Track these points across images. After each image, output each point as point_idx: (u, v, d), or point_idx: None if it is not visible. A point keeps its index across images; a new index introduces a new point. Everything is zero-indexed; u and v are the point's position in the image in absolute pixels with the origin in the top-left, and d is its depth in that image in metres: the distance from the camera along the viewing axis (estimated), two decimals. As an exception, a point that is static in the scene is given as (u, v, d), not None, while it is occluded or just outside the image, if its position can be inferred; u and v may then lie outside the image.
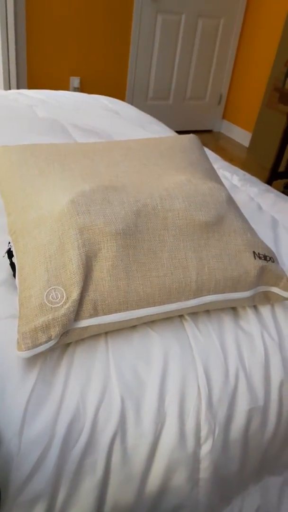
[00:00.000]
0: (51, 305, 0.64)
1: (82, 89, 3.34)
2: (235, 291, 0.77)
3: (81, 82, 3.30)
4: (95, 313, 0.67)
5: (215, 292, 0.75)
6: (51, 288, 0.66)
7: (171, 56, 3.49)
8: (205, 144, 3.69)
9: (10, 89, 3.14)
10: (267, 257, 0.80)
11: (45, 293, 0.65)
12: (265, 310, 0.84)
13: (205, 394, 0.69)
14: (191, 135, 1.10)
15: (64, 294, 0.65)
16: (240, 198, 1.26)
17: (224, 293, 0.76)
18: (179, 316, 0.80)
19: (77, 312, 0.66)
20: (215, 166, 1.48)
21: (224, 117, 4.02)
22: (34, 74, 3.15)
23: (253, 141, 3.49)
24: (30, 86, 3.18)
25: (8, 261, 0.83)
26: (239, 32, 3.61)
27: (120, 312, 0.69)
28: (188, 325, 0.78)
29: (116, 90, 3.45)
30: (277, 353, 0.77)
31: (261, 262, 0.78)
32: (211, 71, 3.72)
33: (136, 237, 0.72)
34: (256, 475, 0.80)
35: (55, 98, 1.90)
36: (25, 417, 0.61)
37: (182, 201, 0.78)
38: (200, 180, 0.84)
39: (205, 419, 0.69)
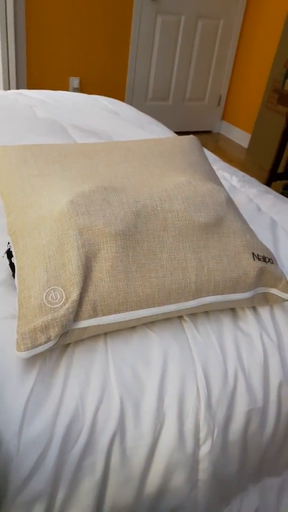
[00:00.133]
0: (51, 306, 0.64)
1: (81, 89, 3.34)
2: (234, 292, 0.77)
3: (80, 83, 3.31)
4: (94, 314, 0.67)
5: (214, 293, 0.75)
6: (50, 288, 0.66)
7: (170, 57, 3.50)
8: (204, 145, 3.69)
9: (9, 89, 3.14)
10: (266, 259, 0.80)
11: (45, 294, 0.65)
12: (264, 312, 0.84)
13: (204, 395, 0.69)
14: (191, 136, 1.10)
15: (64, 295, 0.65)
16: (239, 199, 1.26)
17: (223, 294, 0.76)
18: (179, 317, 0.80)
19: (77, 312, 0.66)
20: (215, 167, 1.48)
21: (223, 118, 4.02)
22: (33, 74, 3.15)
23: (252, 142, 3.49)
24: (30, 86, 3.18)
25: (7, 261, 0.83)
26: (238, 33, 3.61)
27: (119, 312, 0.69)
28: (187, 326, 0.78)
29: (115, 90, 3.45)
30: (276, 354, 0.77)
31: (260, 264, 0.78)
32: (211, 72, 3.73)
33: (135, 238, 0.72)
34: (255, 476, 0.80)
35: (54, 99, 1.90)
36: (24, 417, 0.61)
37: (181, 202, 0.78)
38: (200, 181, 0.84)
39: (204, 420, 0.69)
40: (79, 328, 0.67)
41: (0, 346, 0.68)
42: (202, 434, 0.69)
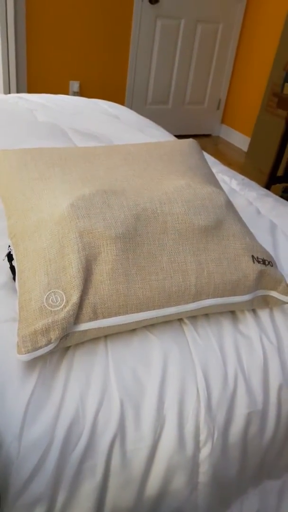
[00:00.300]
0: (51, 309, 0.65)
1: (81, 93, 3.35)
2: (234, 295, 0.77)
3: (80, 86, 3.32)
4: (94, 317, 0.67)
5: (214, 296, 0.75)
6: (51, 291, 0.66)
7: (170, 61, 3.51)
8: (204, 148, 3.70)
9: (10, 93, 3.15)
10: (266, 261, 0.81)
11: (45, 297, 0.65)
12: (263, 314, 0.85)
13: (204, 398, 0.70)
14: (190, 140, 1.11)
15: (64, 298, 0.66)
16: (238, 202, 1.27)
17: (223, 297, 0.76)
18: (179, 319, 0.80)
19: (77, 315, 0.66)
20: (214, 170, 1.49)
21: (223, 121, 4.04)
22: (34, 78, 3.16)
23: (251, 145, 3.50)
24: (30, 90, 3.19)
25: (8, 265, 0.83)
26: (237, 37, 3.63)
27: (119, 315, 0.69)
28: (188, 328, 0.78)
29: (115, 94, 3.47)
30: (275, 357, 0.77)
31: (259, 266, 0.79)
32: (210, 75, 3.74)
33: (135, 240, 0.72)
34: (255, 479, 0.80)
35: (54, 102, 1.91)
36: (25, 420, 0.61)
37: (181, 205, 0.78)
38: (199, 185, 0.85)
39: (204, 422, 0.69)
40: (80, 331, 0.67)
41: (1, 349, 0.68)
42: (202, 437, 0.69)
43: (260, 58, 3.48)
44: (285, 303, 0.82)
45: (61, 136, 1.47)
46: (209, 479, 0.71)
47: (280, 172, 2.97)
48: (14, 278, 0.79)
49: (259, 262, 0.79)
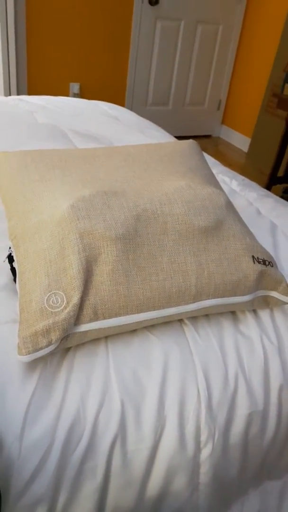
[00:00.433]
0: (52, 310, 0.65)
1: (81, 95, 3.35)
2: (235, 295, 0.77)
3: (80, 88, 3.32)
4: (95, 317, 0.68)
5: (215, 296, 0.76)
6: (51, 292, 0.66)
7: (170, 62, 3.52)
8: (204, 149, 3.71)
9: (10, 95, 3.15)
10: (266, 262, 0.81)
11: (46, 298, 0.66)
12: (264, 315, 0.85)
13: (205, 398, 0.70)
14: (190, 141, 1.11)
15: (65, 299, 0.66)
16: (239, 203, 1.27)
17: (223, 297, 0.76)
18: (179, 320, 0.80)
19: (77, 316, 0.66)
20: (214, 171, 1.49)
21: (223, 122, 4.04)
22: (34, 80, 3.17)
23: (252, 146, 3.50)
24: (30, 92, 3.20)
25: (9, 266, 0.83)
26: (237, 38, 3.64)
27: (120, 316, 0.69)
28: (188, 329, 0.78)
29: (115, 95, 3.47)
30: (276, 357, 0.78)
31: (260, 267, 0.79)
32: (210, 76, 3.75)
33: (136, 241, 0.72)
34: (256, 479, 0.80)
35: (55, 104, 1.91)
36: (26, 421, 0.61)
37: (181, 206, 0.78)
38: (199, 185, 0.85)
39: (205, 423, 0.69)
40: (80, 332, 0.67)
41: (2, 350, 0.68)
42: (203, 437, 0.69)
43: (260, 59, 3.49)
44: (285, 303, 0.82)
45: (61, 137, 1.48)
46: (210, 480, 0.71)
47: (280, 173, 2.97)
48: (14, 280, 0.79)
49: (259, 262, 0.79)
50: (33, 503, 0.60)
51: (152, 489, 0.67)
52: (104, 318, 0.68)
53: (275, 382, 0.75)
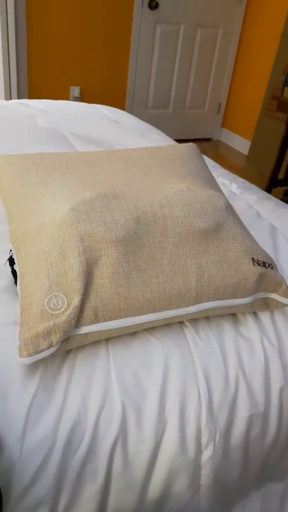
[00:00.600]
0: (52, 312, 0.65)
1: (82, 98, 3.37)
2: (235, 297, 0.77)
3: (81, 92, 3.34)
4: (96, 320, 0.68)
5: (215, 299, 0.76)
6: (52, 295, 0.66)
7: (170, 66, 3.53)
8: (204, 152, 3.72)
9: (11, 99, 3.17)
10: (266, 264, 0.81)
11: (46, 300, 0.66)
12: (264, 317, 0.85)
13: (206, 400, 0.70)
14: (190, 144, 1.12)
15: (65, 301, 0.66)
16: (239, 206, 1.27)
17: (223, 299, 0.77)
18: (179, 322, 0.80)
19: (78, 318, 0.67)
20: (214, 174, 1.49)
21: (223, 125, 4.05)
22: (34, 84, 3.18)
23: (252, 149, 3.51)
24: (31, 96, 3.22)
25: (9, 269, 0.84)
26: (237, 41, 3.65)
27: (120, 318, 0.69)
28: (188, 331, 0.79)
29: (116, 99, 3.48)
30: (277, 359, 0.78)
31: (260, 269, 0.79)
32: (210, 80, 3.76)
33: (136, 244, 0.73)
34: (258, 481, 0.80)
35: (55, 108, 1.92)
36: (27, 423, 0.61)
37: (181, 208, 0.79)
38: (199, 188, 0.85)
39: (206, 425, 0.69)
40: (81, 334, 0.68)
41: (3, 352, 0.69)
42: (203, 439, 0.69)
43: (260, 62, 3.50)
44: (285, 305, 0.83)
45: (62, 141, 1.48)
46: (211, 482, 0.71)
47: (281, 175, 2.98)
48: (15, 282, 0.80)
49: (259, 264, 0.80)
50: (34, 505, 0.60)
51: (153, 491, 0.67)
52: (105, 320, 0.69)
53: (275, 384, 0.76)
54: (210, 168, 1.54)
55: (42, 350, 0.63)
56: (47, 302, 0.66)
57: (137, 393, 0.68)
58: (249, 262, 0.79)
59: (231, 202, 1.27)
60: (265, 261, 0.82)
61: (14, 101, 1.95)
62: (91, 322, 0.68)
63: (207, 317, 0.82)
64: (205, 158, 1.64)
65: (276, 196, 2.92)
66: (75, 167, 0.92)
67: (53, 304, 0.66)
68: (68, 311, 0.65)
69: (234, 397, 0.72)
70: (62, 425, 0.62)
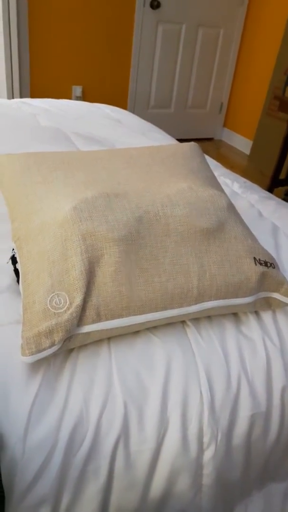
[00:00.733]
0: (55, 311, 0.65)
1: (84, 98, 3.37)
2: (236, 297, 0.77)
3: (83, 91, 3.34)
4: (98, 319, 0.68)
5: (217, 298, 0.76)
6: (54, 293, 0.66)
7: (172, 65, 3.53)
8: (206, 152, 3.71)
9: (13, 98, 3.17)
10: (268, 263, 0.81)
11: (49, 299, 0.66)
12: (266, 316, 0.85)
13: (208, 400, 0.70)
14: (192, 143, 1.12)
15: (67, 300, 0.66)
16: (240, 205, 1.27)
17: (225, 299, 0.77)
18: (181, 321, 0.80)
19: (80, 317, 0.67)
20: (216, 174, 1.49)
21: (225, 125, 4.05)
22: (36, 83, 3.18)
23: (253, 148, 3.51)
24: (33, 95, 3.22)
25: (12, 267, 0.84)
26: (239, 41, 3.65)
27: (122, 317, 0.69)
28: (190, 330, 0.79)
29: (117, 98, 3.48)
30: (279, 359, 0.78)
31: (262, 268, 0.79)
32: (212, 79, 3.76)
33: (138, 243, 0.73)
34: (260, 481, 0.80)
35: (57, 107, 1.92)
36: (29, 422, 0.61)
37: (183, 207, 0.78)
38: (201, 187, 0.85)
39: (208, 424, 0.69)
40: (83, 333, 0.68)
41: (5, 351, 0.69)
42: (205, 439, 0.69)
43: (262, 62, 3.50)
44: (287, 305, 0.83)
45: (64, 140, 1.48)
46: (213, 481, 0.71)
47: (282, 175, 2.97)
48: (18, 281, 0.80)
49: (261, 264, 0.80)
50: (37, 503, 0.60)
51: (155, 491, 0.67)
52: (107, 319, 0.69)
53: (277, 383, 0.75)
54: (212, 167, 1.54)
55: (44, 349, 0.63)
56: (50, 301, 0.66)
57: (139, 392, 0.68)
58: (251, 262, 0.79)
59: (233, 202, 1.27)
60: (267, 260, 0.82)
61: (16, 100, 1.95)
62: (93, 321, 0.68)
63: (209, 317, 0.82)
64: (207, 157, 1.64)
65: (277, 195, 2.92)
66: (77, 166, 0.92)
67: (55, 302, 0.66)
68: (70, 310, 0.65)
69: (236, 396, 0.72)
70: (64, 424, 0.62)
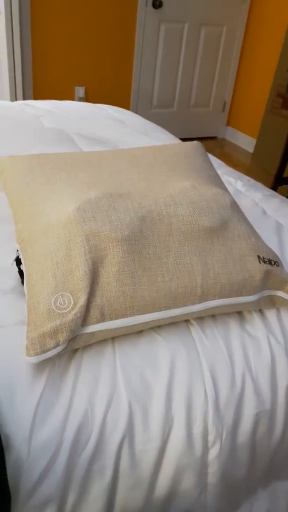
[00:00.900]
0: (59, 311, 0.65)
1: (87, 98, 3.37)
2: (241, 295, 0.77)
3: (86, 92, 3.34)
4: (102, 319, 0.68)
5: (221, 297, 0.76)
6: (58, 294, 0.67)
7: (174, 64, 3.53)
8: (209, 150, 3.71)
9: (16, 100, 3.18)
10: (272, 261, 0.81)
11: (53, 299, 0.66)
12: (270, 314, 0.85)
13: (212, 398, 0.70)
14: (195, 142, 1.11)
15: (72, 300, 0.66)
16: (244, 203, 1.27)
17: (229, 297, 0.77)
18: (185, 321, 0.80)
19: (84, 317, 0.67)
20: (219, 172, 1.49)
21: (228, 123, 4.04)
22: (39, 85, 3.19)
23: (257, 147, 3.50)
24: (36, 97, 3.23)
25: (16, 269, 0.84)
26: (241, 39, 3.64)
27: (126, 317, 0.69)
28: (194, 329, 0.79)
29: (120, 99, 3.49)
30: (283, 357, 0.77)
31: (266, 266, 0.79)
32: (215, 78, 3.75)
33: (141, 242, 0.73)
34: (264, 479, 0.80)
35: (60, 108, 1.92)
36: (34, 422, 0.62)
37: (186, 206, 0.79)
38: (204, 186, 0.85)
39: (213, 423, 0.69)
40: (87, 333, 0.68)
41: (10, 351, 0.69)
42: (210, 437, 0.69)
43: (265, 60, 3.49)
44: (292, 303, 0.82)
45: (67, 141, 1.49)
46: (218, 480, 0.71)
47: (286, 173, 2.96)
48: (22, 282, 0.80)
49: (265, 262, 0.79)
50: (42, 503, 0.60)
51: (160, 490, 0.67)
52: (111, 319, 0.69)
53: (282, 381, 0.75)
54: (215, 166, 1.54)
55: (49, 349, 0.64)
56: (54, 302, 0.66)
57: (144, 392, 0.68)
58: (254, 260, 0.79)
59: (236, 200, 1.27)
60: (270, 258, 0.81)
61: (20, 102, 1.96)
62: (97, 321, 0.68)
63: (213, 315, 0.82)
64: (210, 156, 1.64)
65: (281, 193, 2.91)
66: (80, 166, 0.92)
67: (59, 303, 0.66)
68: (75, 310, 0.65)
69: (241, 395, 0.72)
70: (69, 424, 0.63)
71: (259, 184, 1.47)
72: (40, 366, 0.68)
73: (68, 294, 0.67)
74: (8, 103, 1.92)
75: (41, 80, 3.17)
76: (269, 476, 0.80)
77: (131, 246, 0.72)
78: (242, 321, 0.83)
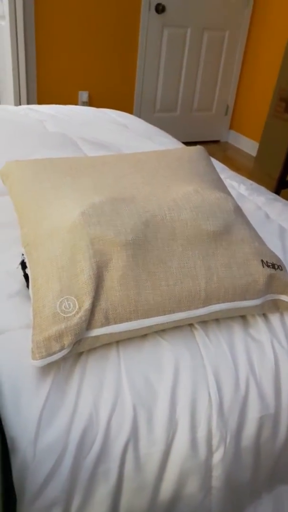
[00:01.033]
0: (64, 315, 0.66)
1: (90, 103, 3.39)
2: (244, 299, 0.78)
3: (89, 96, 3.36)
4: (106, 322, 0.68)
5: (224, 301, 0.76)
6: (63, 298, 0.67)
7: (177, 69, 3.54)
8: (212, 154, 3.72)
9: (20, 104, 3.20)
10: (275, 265, 0.81)
11: (58, 303, 0.67)
12: (274, 318, 0.85)
13: (216, 402, 0.70)
14: (198, 147, 1.12)
15: (77, 304, 0.67)
16: (247, 207, 1.27)
17: (233, 301, 0.77)
18: (189, 325, 0.81)
19: (89, 321, 0.67)
20: (222, 176, 1.49)
21: (231, 127, 4.05)
22: (43, 90, 3.21)
23: (260, 150, 3.50)
24: (40, 102, 3.24)
25: (22, 273, 0.85)
26: (244, 43, 3.65)
27: (130, 321, 0.70)
28: (198, 333, 0.79)
29: (124, 103, 3.50)
30: (287, 361, 0.78)
31: (269, 270, 0.79)
32: (218, 82, 3.76)
33: (145, 247, 0.73)
34: (269, 483, 0.80)
35: (64, 113, 1.94)
36: (40, 425, 0.62)
37: (190, 211, 0.79)
38: (208, 190, 0.86)
39: (217, 427, 0.69)
40: (92, 337, 0.68)
41: (16, 355, 0.70)
42: (214, 441, 0.69)
43: (267, 63, 3.50)
44: (295, 307, 0.83)
45: (71, 146, 1.50)
46: (222, 484, 0.71)
47: (289, 177, 2.96)
48: (27, 286, 0.81)
49: (268, 266, 0.80)
50: (47, 506, 0.61)
51: (165, 493, 0.68)
52: (115, 323, 0.69)
53: (286, 385, 0.76)
54: (218, 170, 1.54)
55: (54, 353, 0.64)
56: (59, 305, 0.67)
57: (148, 395, 0.68)
58: (258, 264, 0.79)
59: (239, 204, 1.28)
60: (274, 262, 0.82)
61: (24, 107, 1.97)
62: (102, 325, 0.68)
63: (217, 319, 0.82)
64: (213, 160, 1.64)
65: (284, 197, 2.91)
66: (85, 171, 0.93)
67: (64, 307, 0.67)
68: (80, 314, 0.66)
69: (245, 398, 0.72)
70: (74, 427, 0.63)
71: (262, 188, 1.47)
72: (45, 369, 0.68)
73: (73, 298, 0.68)
74: (12, 107, 1.94)
75: (45, 84, 3.19)
76: (273, 480, 0.80)
77: (135, 250, 0.72)
78: (246, 325, 0.83)
